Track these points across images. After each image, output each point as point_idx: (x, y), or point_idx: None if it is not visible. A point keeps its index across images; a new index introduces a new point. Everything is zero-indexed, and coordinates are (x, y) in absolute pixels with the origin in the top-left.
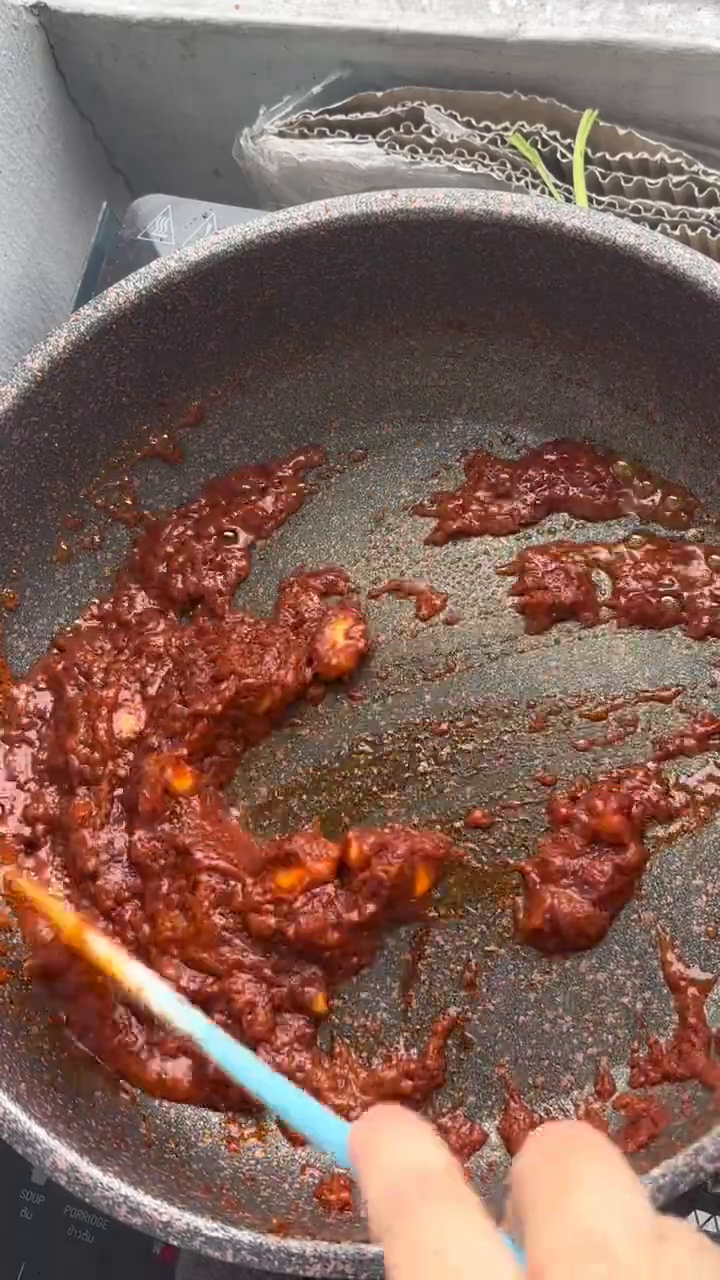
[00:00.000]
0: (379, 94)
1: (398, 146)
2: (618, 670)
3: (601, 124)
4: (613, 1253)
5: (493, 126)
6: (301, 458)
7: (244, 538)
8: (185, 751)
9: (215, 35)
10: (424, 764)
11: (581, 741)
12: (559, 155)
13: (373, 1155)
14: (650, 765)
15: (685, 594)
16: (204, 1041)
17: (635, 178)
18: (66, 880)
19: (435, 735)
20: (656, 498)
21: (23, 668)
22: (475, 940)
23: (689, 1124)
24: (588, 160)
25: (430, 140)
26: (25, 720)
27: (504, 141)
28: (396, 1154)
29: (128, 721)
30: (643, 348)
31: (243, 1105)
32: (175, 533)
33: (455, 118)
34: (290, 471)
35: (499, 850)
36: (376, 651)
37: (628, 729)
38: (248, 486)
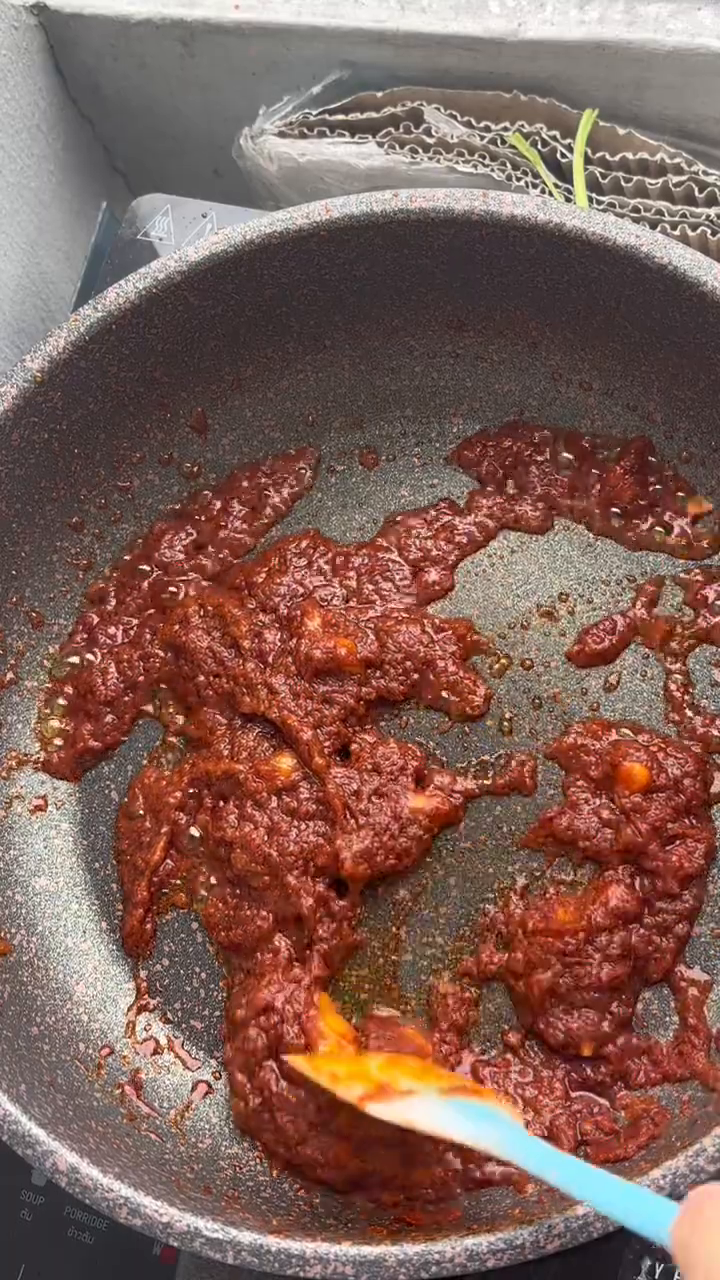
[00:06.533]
0: (379, 94)
1: (398, 146)
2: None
3: (601, 124)
4: None
5: (493, 126)
6: (302, 458)
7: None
8: None
9: (215, 35)
10: None
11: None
12: (559, 155)
13: (696, 1254)
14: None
15: None
16: (501, 1145)
17: (635, 178)
18: None
19: None
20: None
21: (25, 668)
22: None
23: (689, 1125)
24: (588, 160)
25: (430, 140)
26: None
27: (504, 141)
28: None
29: None
30: (643, 348)
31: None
32: (176, 536)
33: (455, 118)
34: (290, 471)
35: None
36: None
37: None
38: (247, 486)
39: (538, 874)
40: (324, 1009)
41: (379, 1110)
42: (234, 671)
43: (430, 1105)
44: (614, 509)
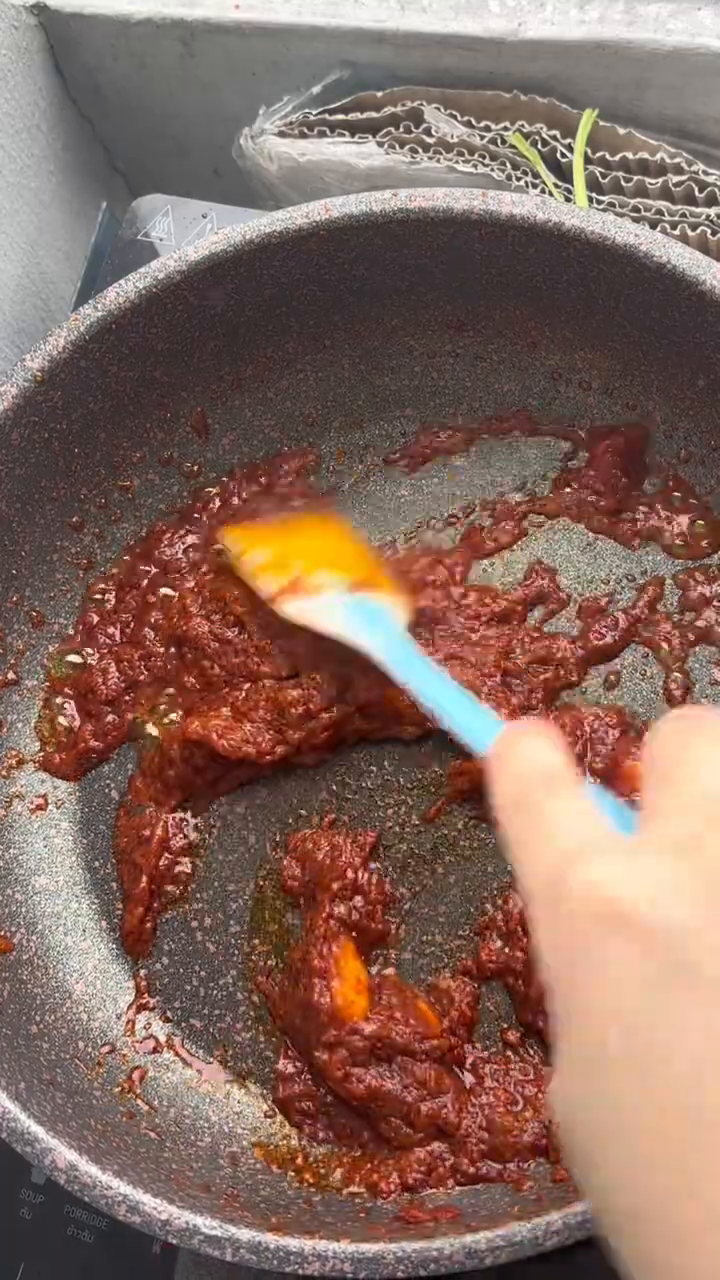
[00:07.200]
0: (379, 94)
1: (398, 146)
2: None
3: (601, 124)
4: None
5: (493, 126)
6: (301, 458)
7: None
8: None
9: (215, 35)
10: None
11: None
12: (559, 155)
13: (508, 758)
14: None
15: None
16: (378, 649)
17: (635, 178)
18: None
19: None
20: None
21: (25, 668)
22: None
23: None
24: (588, 160)
25: (430, 140)
26: None
27: (504, 141)
28: (528, 757)
29: None
30: (643, 348)
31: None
32: (176, 536)
33: (455, 117)
34: (290, 472)
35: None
36: None
37: None
38: (246, 486)
39: None
40: (346, 953)
41: (289, 608)
42: (241, 646)
43: (332, 605)
44: (609, 503)
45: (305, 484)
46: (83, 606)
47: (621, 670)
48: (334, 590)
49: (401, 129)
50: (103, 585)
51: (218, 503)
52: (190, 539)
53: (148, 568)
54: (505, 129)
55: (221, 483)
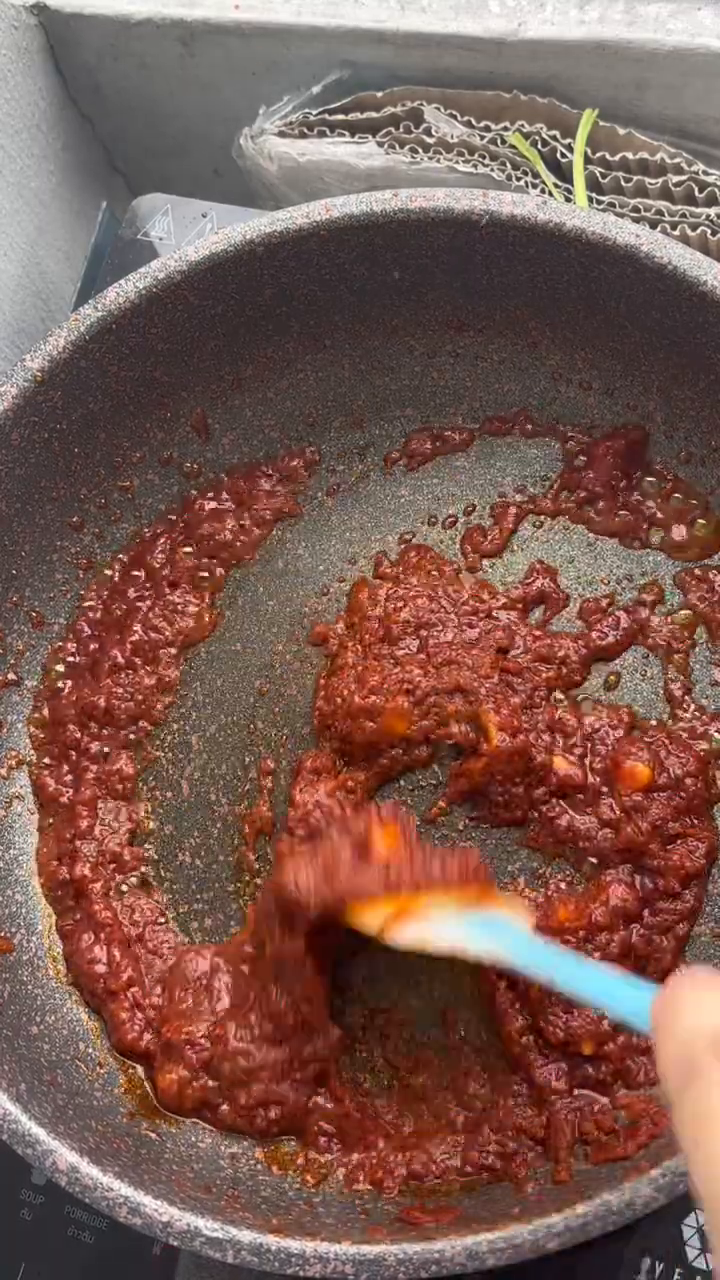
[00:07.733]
0: (379, 94)
1: (398, 146)
2: None
3: (601, 124)
4: None
5: (493, 126)
6: (301, 457)
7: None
8: None
9: (215, 35)
10: None
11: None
12: (559, 155)
13: (669, 1022)
14: None
15: None
16: (508, 954)
17: (635, 178)
18: None
19: None
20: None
21: (25, 668)
22: None
23: None
24: (588, 160)
25: (430, 140)
26: None
27: (504, 141)
28: (692, 1018)
29: None
30: (643, 348)
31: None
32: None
33: (455, 118)
34: (290, 471)
35: None
36: None
37: None
38: (246, 487)
39: (538, 874)
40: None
41: (397, 937)
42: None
43: (445, 923)
44: (609, 504)
45: (284, 494)
46: (82, 606)
47: (621, 670)
48: (444, 913)
49: (401, 129)
50: (96, 588)
51: (215, 506)
52: (185, 542)
53: (140, 573)
54: (505, 129)
55: (221, 484)
